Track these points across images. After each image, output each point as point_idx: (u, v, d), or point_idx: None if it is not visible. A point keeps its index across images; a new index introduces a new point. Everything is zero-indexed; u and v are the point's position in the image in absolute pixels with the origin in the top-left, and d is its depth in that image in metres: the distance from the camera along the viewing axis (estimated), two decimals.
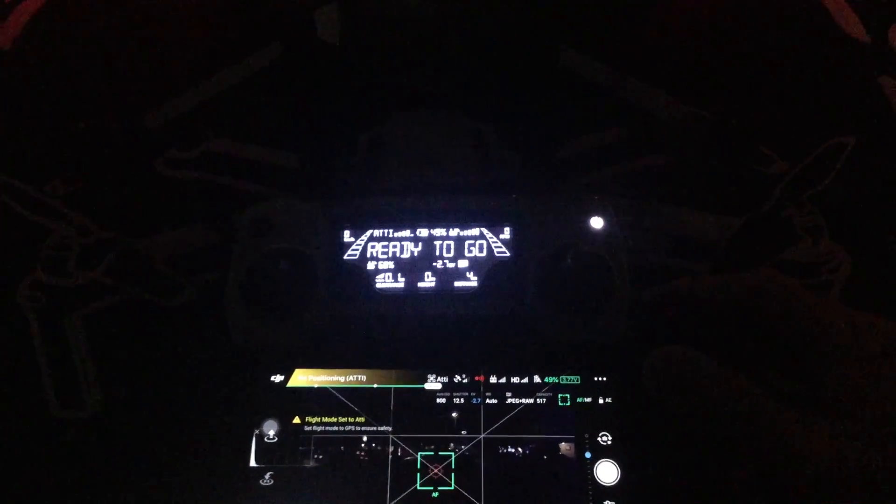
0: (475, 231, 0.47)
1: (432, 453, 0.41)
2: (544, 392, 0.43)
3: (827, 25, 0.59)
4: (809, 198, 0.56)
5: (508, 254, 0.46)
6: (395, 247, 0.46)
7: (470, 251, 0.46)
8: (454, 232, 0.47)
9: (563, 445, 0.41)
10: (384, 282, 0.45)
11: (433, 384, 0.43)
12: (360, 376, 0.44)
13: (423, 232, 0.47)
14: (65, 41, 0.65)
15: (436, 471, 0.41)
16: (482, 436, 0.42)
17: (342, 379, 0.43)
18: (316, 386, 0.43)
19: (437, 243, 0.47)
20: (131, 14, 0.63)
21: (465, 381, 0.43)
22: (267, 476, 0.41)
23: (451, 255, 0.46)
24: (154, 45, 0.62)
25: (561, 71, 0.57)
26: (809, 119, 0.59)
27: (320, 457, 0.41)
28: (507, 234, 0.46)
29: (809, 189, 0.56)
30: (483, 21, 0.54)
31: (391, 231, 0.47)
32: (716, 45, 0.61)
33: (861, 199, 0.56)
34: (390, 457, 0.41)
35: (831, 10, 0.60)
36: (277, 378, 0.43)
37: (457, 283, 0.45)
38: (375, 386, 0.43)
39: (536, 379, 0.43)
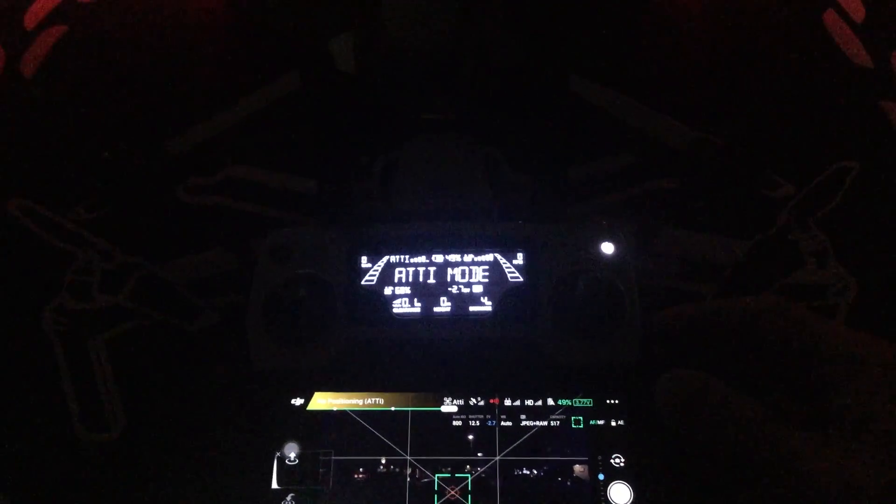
0: (489, 257, 0.48)
1: (449, 475, 0.42)
2: (558, 415, 0.44)
3: (831, 51, 0.61)
4: (815, 221, 0.57)
5: (522, 279, 0.47)
6: (411, 272, 0.48)
7: (484, 276, 0.47)
8: (468, 257, 0.48)
9: (576, 467, 0.42)
10: (401, 307, 0.47)
11: (449, 407, 0.45)
12: (377, 399, 0.45)
13: (439, 258, 0.48)
14: (87, 69, 0.67)
15: (453, 493, 0.42)
16: (498, 458, 0.43)
17: (360, 402, 0.45)
18: (335, 409, 0.45)
19: (452, 269, 0.48)
20: (152, 43, 0.65)
21: (481, 403, 0.44)
22: (288, 498, 0.42)
23: (466, 280, 0.47)
24: (175, 73, 0.64)
25: (571, 98, 0.59)
26: (815, 143, 0.61)
27: (340, 479, 0.42)
28: (520, 259, 0.48)
29: (815, 212, 0.57)
30: (495, 51, 0.56)
31: (407, 257, 0.48)
32: (722, 70, 0.63)
33: (866, 222, 0.57)
34: (408, 479, 0.42)
35: (835, 36, 0.61)
36: (298, 401, 0.45)
37: (472, 308, 0.47)
38: (393, 409, 0.44)
39: (550, 402, 0.44)
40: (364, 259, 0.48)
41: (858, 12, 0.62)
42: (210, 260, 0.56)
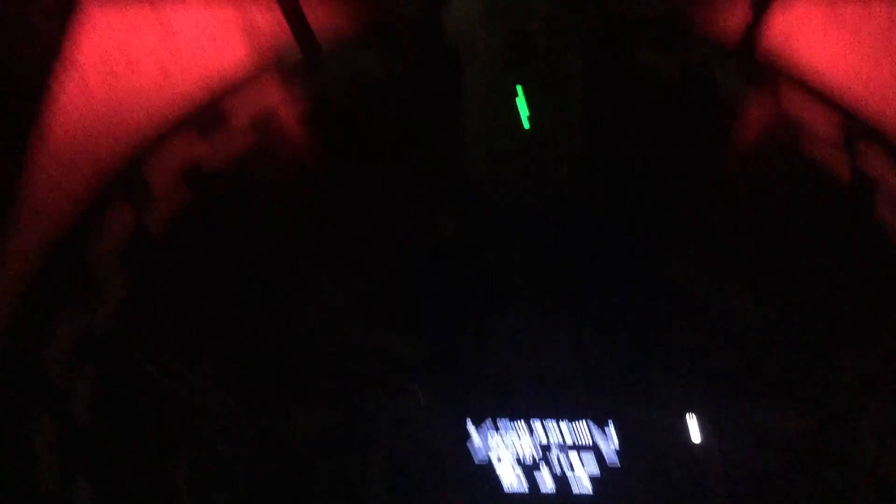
0: (588, 439, 0.52)
1: None
2: None
3: (889, 244, 0.69)
4: (879, 395, 0.62)
5: (619, 464, 0.51)
6: (515, 446, 0.52)
7: (585, 458, 0.52)
8: (569, 440, 0.53)
9: None
10: (510, 485, 0.50)
11: None
12: None
13: (543, 438, 0.53)
14: (210, 233, 0.77)
15: None
16: None
17: None
18: None
19: (557, 450, 0.53)
20: (269, 212, 0.76)
21: None
22: None
23: (568, 461, 0.52)
24: (287, 242, 0.74)
25: (658, 275, 0.67)
26: (880, 316, 0.68)
27: None
28: (616, 442, 0.52)
29: (876, 391, 0.62)
30: (588, 235, 0.65)
31: (511, 428, 0.53)
32: (794, 257, 0.72)
33: None
34: None
35: (889, 229, 0.70)
36: None
37: (574, 489, 0.51)
38: None
39: None
40: (470, 428, 0.53)
41: None
42: (321, 416, 0.62)
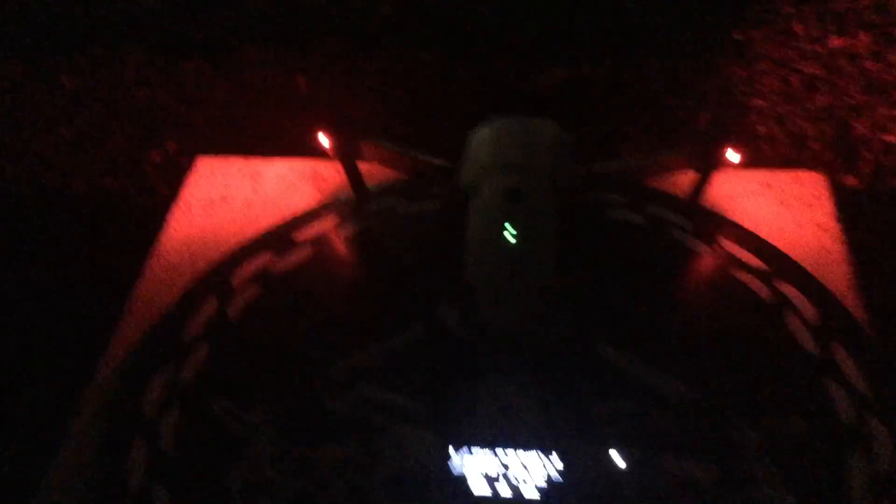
0: (537, 460, 0.92)
1: None
2: None
3: (787, 341, 0.98)
4: (772, 454, 0.86)
5: (560, 478, 0.80)
6: (483, 464, 0.79)
7: (534, 474, 0.79)
8: (523, 460, 0.81)
9: None
10: (477, 491, 0.77)
11: None
12: None
13: (503, 455, 0.81)
14: (276, 319, 1.07)
15: None
16: None
17: None
18: None
19: (512, 465, 0.82)
20: (324, 303, 1.06)
21: None
22: None
23: (521, 475, 0.79)
24: (331, 322, 1.04)
25: (598, 357, 0.95)
26: (771, 397, 0.93)
27: None
28: (557, 460, 0.79)
29: (770, 449, 0.87)
30: (552, 327, 0.95)
31: (481, 452, 0.80)
32: (712, 345, 0.99)
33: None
34: None
35: (792, 331, 0.99)
36: None
37: (526, 496, 0.81)
38: None
39: None
40: (453, 454, 0.79)
41: (812, 315, 1.01)
42: (342, 448, 0.88)
